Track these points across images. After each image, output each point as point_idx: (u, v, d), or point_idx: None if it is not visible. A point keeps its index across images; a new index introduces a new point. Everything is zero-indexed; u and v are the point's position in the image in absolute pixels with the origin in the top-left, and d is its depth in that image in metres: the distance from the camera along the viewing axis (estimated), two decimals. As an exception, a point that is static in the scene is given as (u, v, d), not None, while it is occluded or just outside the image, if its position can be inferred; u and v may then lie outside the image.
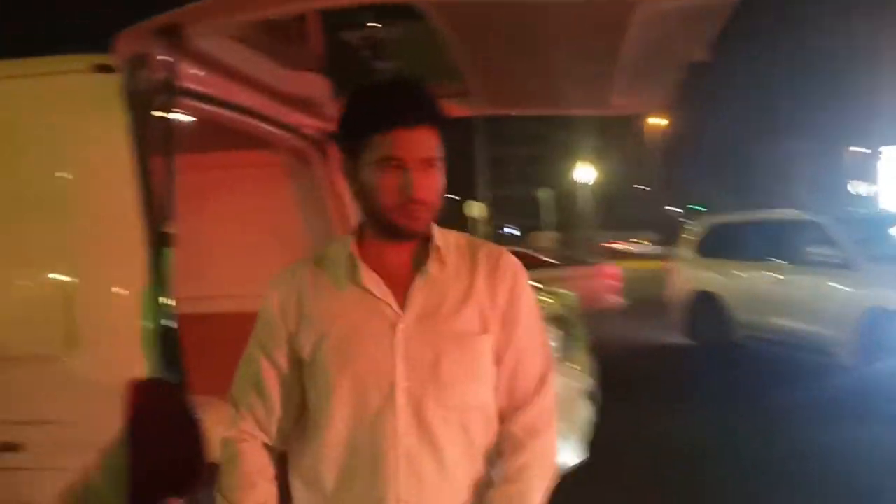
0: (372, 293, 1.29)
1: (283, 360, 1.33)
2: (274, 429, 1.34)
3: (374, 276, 1.30)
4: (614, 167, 40.61)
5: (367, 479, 1.26)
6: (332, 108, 3.02)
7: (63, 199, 1.93)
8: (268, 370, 1.33)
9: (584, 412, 4.17)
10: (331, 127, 3.15)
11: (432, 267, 1.30)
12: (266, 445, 1.35)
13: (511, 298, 1.34)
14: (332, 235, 3.20)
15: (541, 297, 4.84)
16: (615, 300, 12.02)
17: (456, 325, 1.29)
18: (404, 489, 1.24)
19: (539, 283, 6.72)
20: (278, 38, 2.74)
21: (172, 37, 1.95)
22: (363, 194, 1.29)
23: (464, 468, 1.29)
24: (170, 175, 1.87)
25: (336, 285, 1.31)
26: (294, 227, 3.24)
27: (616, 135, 39.23)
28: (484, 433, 1.31)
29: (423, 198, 1.26)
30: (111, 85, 1.89)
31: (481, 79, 2.88)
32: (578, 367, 4.35)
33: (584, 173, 34.76)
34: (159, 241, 1.79)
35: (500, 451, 1.31)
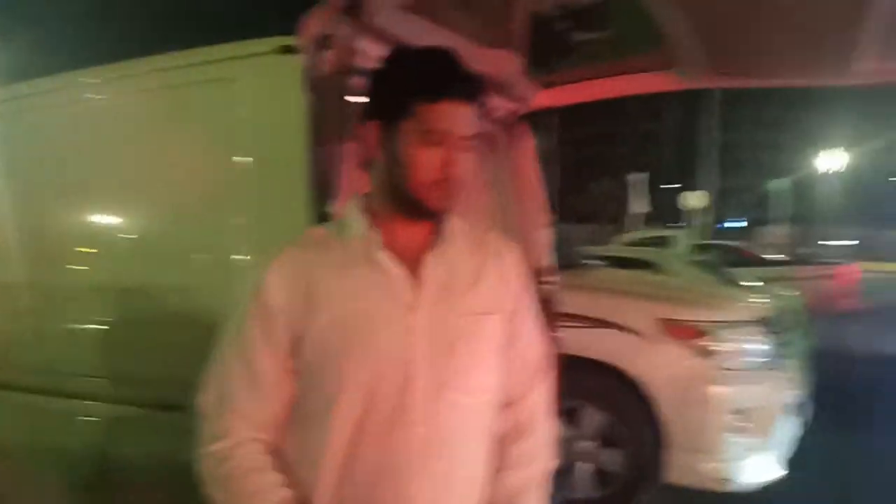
0: (387, 272, 1.22)
1: (281, 351, 1.22)
2: (270, 424, 1.24)
3: (390, 254, 1.22)
4: (872, 155, 35.69)
5: (378, 470, 1.18)
6: (523, 88, 2.89)
7: (241, 181, 2.04)
8: (264, 363, 1.22)
9: (785, 425, 3.73)
10: (521, 108, 3.03)
11: (445, 246, 1.25)
12: (263, 443, 1.23)
13: (518, 285, 1.34)
14: (516, 222, 3.09)
15: (751, 298, 4.44)
16: (852, 304, 10.64)
17: (470, 305, 1.26)
18: (417, 479, 1.18)
19: (759, 281, 6.18)
20: (471, 13, 2.66)
21: (356, 15, 1.95)
22: (391, 166, 1.21)
23: (476, 453, 1.27)
24: (340, 155, 1.88)
25: (348, 264, 1.22)
26: (482, 213, 3.18)
27: (879, 116, 34.40)
28: (492, 418, 1.30)
29: (461, 177, 1.19)
30: (294, 67, 1.93)
31: (695, 44, 2.55)
32: (785, 377, 3.88)
33: (831, 162, 30.97)
34: (322, 220, 1.81)
35: (506, 437, 1.31)
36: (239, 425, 1.21)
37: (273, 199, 2.00)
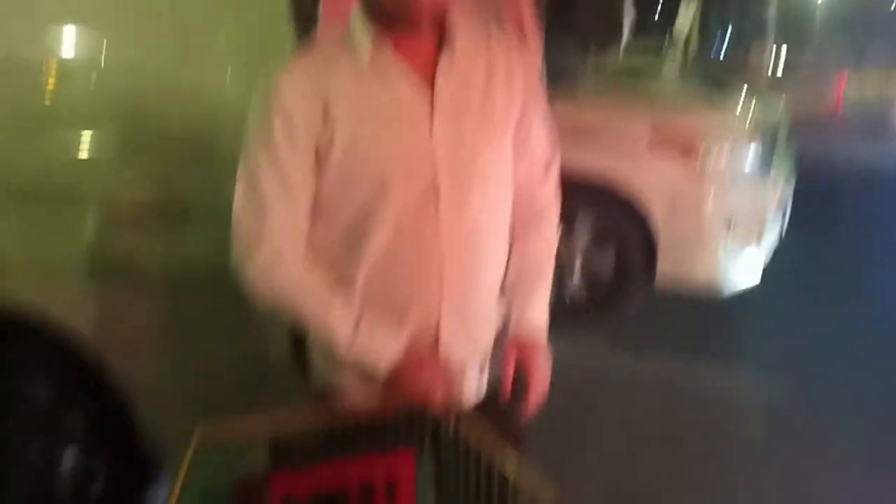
0: (401, 80, 1.21)
1: (308, 159, 1.21)
2: (303, 230, 1.25)
3: (402, 63, 1.22)
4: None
5: (411, 265, 1.24)
6: None
7: (220, 12, 1.96)
8: (294, 172, 1.21)
9: (769, 229, 3.86)
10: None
11: (453, 49, 1.23)
12: (300, 248, 1.25)
13: (526, 84, 1.34)
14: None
15: (743, 106, 4.43)
16: (835, 112, 10.69)
17: (485, 108, 1.27)
18: (448, 271, 1.25)
19: (747, 91, 6.15)
20: None
21: None
22: None
23: (498, 242, 1.34)
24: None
25: (362, 78, 1.21)
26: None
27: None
28: (510, 214, 1.36)
29: (427, 3, 1.16)
30: None
31: None
32: (773, 183, 3.96)
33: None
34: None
35: (522, 220, 1.39)
36: (278, 234, 1.23)
37: (253, 29, 1.94)
